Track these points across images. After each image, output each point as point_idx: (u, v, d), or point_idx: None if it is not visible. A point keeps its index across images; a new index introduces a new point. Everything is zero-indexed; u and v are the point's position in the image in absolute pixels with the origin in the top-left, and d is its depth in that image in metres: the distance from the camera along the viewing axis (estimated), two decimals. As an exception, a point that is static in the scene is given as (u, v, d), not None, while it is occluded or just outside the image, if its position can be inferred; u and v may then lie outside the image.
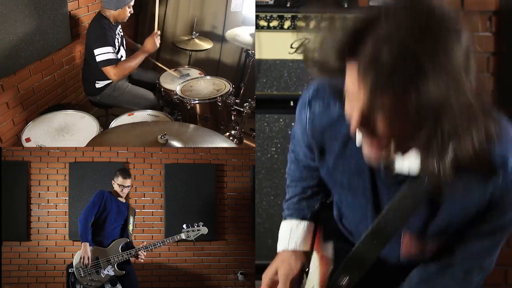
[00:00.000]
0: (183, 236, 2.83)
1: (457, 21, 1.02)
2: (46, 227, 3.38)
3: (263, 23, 2.56)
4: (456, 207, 1.26)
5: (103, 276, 2.68)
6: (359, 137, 1.17)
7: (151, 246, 2.80)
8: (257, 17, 2.55)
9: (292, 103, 2.59)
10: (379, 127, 1.05)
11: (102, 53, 3.34)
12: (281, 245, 1.65)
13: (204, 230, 2.88)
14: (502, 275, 3.12)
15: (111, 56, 3.35)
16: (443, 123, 1.02)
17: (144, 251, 2.77)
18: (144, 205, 3.45)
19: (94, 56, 3.36)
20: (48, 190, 3.40)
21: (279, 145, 2.65)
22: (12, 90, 3.22)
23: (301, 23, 2.48)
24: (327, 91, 1.36)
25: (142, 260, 2.79)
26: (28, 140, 2.88)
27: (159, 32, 3.60)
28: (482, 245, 1.33)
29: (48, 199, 3.40)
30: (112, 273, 2.69)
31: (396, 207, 1.30)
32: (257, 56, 2.61)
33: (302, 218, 1.65)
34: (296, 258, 1.60)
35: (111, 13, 3.47)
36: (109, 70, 3.37)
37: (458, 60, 0.99)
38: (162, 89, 3.70)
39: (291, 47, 2.60)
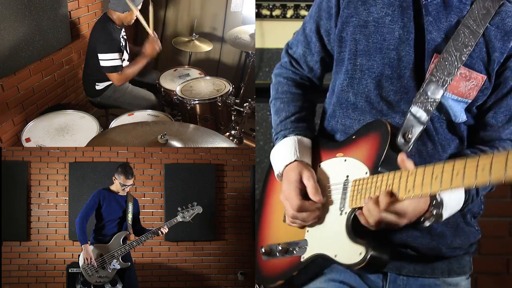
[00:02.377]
0: (179, 218, 2.81)
1: None
2: (46, 227, 3.38)
3: (265, 12, 2.58)
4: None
5: (110, 271, 2.69)
6: None
7: (150, 234, 2.79)
8: (260, 6, 2.56)
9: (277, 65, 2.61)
10: None
11: (108, 59, 3.34)
12: (287, 159, 1.55)
13: (199, 209, 2.86)
14: (504, 264, 3.14)
15: (117, 63, 3.35)
16: None
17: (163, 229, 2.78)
18: (144, 205, 3.44)
19: (97, 59, 3.36)
20: (48, 190, 3.40)
21: None
22: (12, 90, 3.21)
23: (304, 12, 2.53)
24: None
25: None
26: (28, 140, 2.88)
27: (156, 36, 3.58)
28: None
29: (48, 199, 3.40)
30: (118, 266, 2.71)
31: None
32: (260, 45, 2.61)
33: (305, 136, 1.60)
34: (308, 166, 1.54)
35: (117, 16, 3.46)
36: (113, 76, 3.38)
37: None
38: (162, 89, 3.69)
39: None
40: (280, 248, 1.58)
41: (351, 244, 1.39)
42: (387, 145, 1.39)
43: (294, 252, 1.55)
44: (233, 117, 3.50)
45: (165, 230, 2.76)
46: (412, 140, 1.40)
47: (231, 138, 3.44)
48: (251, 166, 3.55)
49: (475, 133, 1.50)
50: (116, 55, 3.35)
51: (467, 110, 1.44)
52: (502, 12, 1.40)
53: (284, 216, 1.59)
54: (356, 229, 1.41)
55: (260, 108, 2.64)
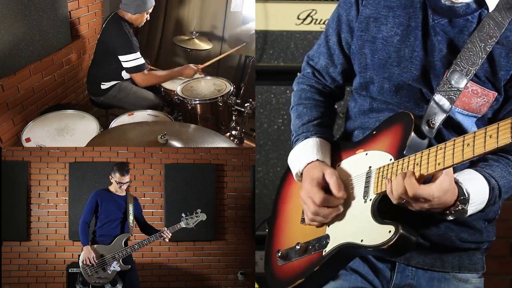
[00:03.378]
0: (182, 224, 2.80)
1: None
2: (46, 227, 3.37)
3: None
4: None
5: (110, 272, 2.68)
6: None
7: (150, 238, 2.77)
8: None
9: (299, 74, 2.64)
10: None
11: (131, 60, 3.35)
12: (310, 157, 1.59)
13: (203, 216, 2.84)
14: (508, 247, 3.18)
15: (141, 61, 3.36)
16: None
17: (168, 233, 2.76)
18: (144, 205, 3.44)
19: (113, 60, 3.35)
20: (48, 190, 3.40)
21: (285, 117, 2.66)
22: (12, 90, 3.20)
23: None
24: None
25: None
26: (28, 140, 2.88)
27: (198, 67, 3.63)
28: None
29: (48, 199, 3.39)
30: (118, 268, 2.70)
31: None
32: (263, 28, 2.64)
33: (326, 139, 1.64)
34: (329, 166, 1.58)
35: (129, 16, 3.46)
36: (138, 76, 3.38)
37: None
38: (162, 89, 3.69)
39: (298, 18, 2.62)
40: (298, 247, 1.56)
41: (378, 226, 1.39)
42: (412, 131, 1.42)
43: (314, 249, 1.54)
44: (234, 117, 3.49)
45: (168, 235, 2.74)
46: (436, 126, 1.43)
47: (231, 138, 3.45)
48: (251, 166, 3.55)
49: None
50: (138, 54, 3.37)
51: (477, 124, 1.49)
52: (508, 30, 1.43)
53: (302, 218, 1.60)
54: (383, 213, 1.41)
55: (263, 90, 2.66)
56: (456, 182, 1.36)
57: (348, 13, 1.62)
